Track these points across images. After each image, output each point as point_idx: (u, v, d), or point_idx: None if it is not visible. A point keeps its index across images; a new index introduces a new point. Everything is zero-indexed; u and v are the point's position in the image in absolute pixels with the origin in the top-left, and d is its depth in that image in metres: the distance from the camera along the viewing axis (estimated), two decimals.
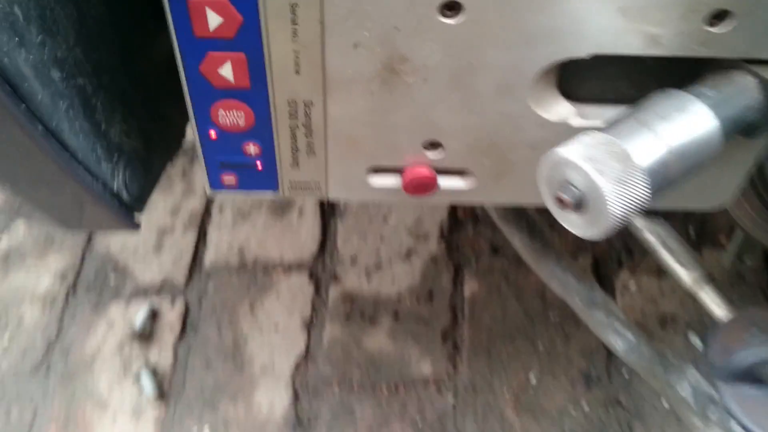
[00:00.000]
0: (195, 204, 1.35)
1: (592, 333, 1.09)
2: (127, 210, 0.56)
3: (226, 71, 0.43)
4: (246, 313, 1.18)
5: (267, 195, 0.52)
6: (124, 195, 0.54)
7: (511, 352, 1.08)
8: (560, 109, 0.46)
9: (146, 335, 1.17)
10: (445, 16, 0.40)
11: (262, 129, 0.47)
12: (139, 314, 1.19)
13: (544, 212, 0.46)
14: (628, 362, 0.83)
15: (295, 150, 0.48)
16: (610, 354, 1.03)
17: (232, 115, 0.46)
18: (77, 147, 0.48)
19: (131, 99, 0.55)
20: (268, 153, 0.49)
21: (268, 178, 0.51)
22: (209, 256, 1.27)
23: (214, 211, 1.33)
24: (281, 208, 1.31)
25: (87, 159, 0.50)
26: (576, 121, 0.46)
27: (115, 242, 1.31)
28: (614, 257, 1.18)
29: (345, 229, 1.27)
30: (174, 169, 1.41)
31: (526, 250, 0.81)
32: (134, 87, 0.56)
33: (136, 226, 0.57)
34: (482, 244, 1.21)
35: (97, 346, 1.17)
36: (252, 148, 0.48)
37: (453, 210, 1.25)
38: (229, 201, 1.34)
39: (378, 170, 0.51)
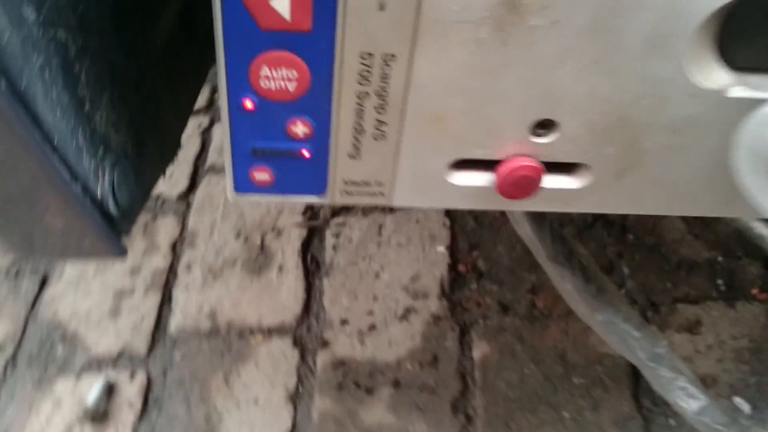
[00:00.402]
0: (158, 262, 1.19)
1: (624, 398, 0.96)
2: (112, 227, 0.41)
3: (282, 2, 0.30)
4: (220, 385, 1.01)
5: (308, 200, 0.38)
6: (110, 205, 0.40)
7: (533, 423, 0.94)
8: (718, 76, 0.34)
9: (101, 414, 0.99)
10: None
11: (317, 98, 0.34)
12: (92, 390, 1.01)
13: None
14: (698, 426, 0.69)
15: (358, 131, 0.35)
16: (648, 421, 0.90)
17: (279, 75, 0.32)
18: (52, 125, 0.34)
19: (122, 79, 0.42)
20: (321, 135, 0.35)
21: (314, 174, 0.37)
22: (175, 321, 1.10)
23: (181, 269, 1.17)
24: (258, 265, 1.16)
25: (64, 145, 0.35)
26: (737, 92, 0.34)
27: (64, 306, 1.13)
28: (638, 312, 1.06)
29: (332, 287, 1.12)
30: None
31: (580, 295, 0.68)
32: (126, 63, 0.42)
33: (122, 251, 0.42)
34: (489, 301, 1.08)
35: (41, 428, 0.98)
36: (299, 128, 0.35)
37: (453, 264, 1.13)
38: (197, 258, 1.18)
39: (462, 165, 0.38)
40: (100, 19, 0.39)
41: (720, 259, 1.06)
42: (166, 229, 1.24)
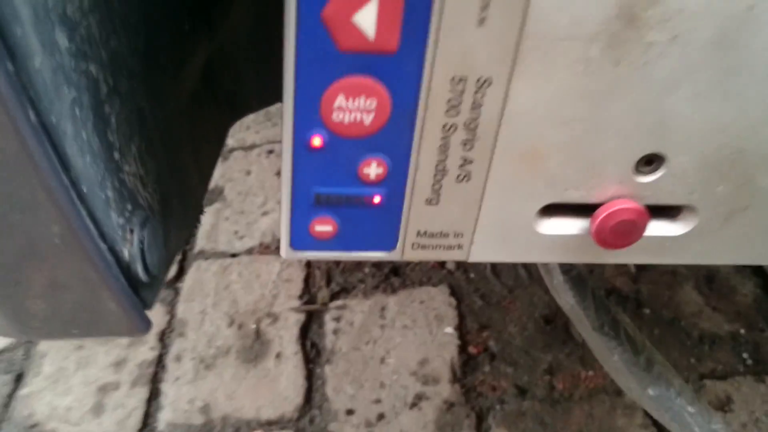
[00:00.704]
0: (145, 354, 1.10)
1: None
2: (138, 296, 0.35)
3: (367, 17, 0.25)
4: None
5: (374, 256, 0.33)
6: (138, 270, 0.34)
7: None
8: None
9: None
10: None
11: (396, 133, 0.29)
12: None
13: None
14: None
15: (440, 171, 0.30)
16: None
17: (356, 106, 0.28)
18: (81, 171, 0.29)
19: (150, 129, 0.37)
20: (397, 178, 0.30)
21: (384, 225, 0.32)
22: (165, 417, 1.01)
23: (170, 360, 1.09)
24: (254, 353, 1.08)
25: (93, 197, 0.30)
26: None
27: (42, 404, 1.04)
28: None
29: (335, 374, 1.05)
30: None
31: (629, 369, 0.62)
32: (154, 113, 0.37)
33: (146, 325, 0.36)
34: (505, 384, 1.01)
35: None
36: (373, 169, 0.30)
37: (463, 346, 1.06)
38: (188, 348, 1.10)
39: (552, 211, 0.33)
40: (130, 59, 0.34)
41: (742, 331, 1.01)
42: (154, 318, 1.16)
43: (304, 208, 0.31)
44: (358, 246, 0.32)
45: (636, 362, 0.62)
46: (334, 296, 1.16)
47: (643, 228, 0.32)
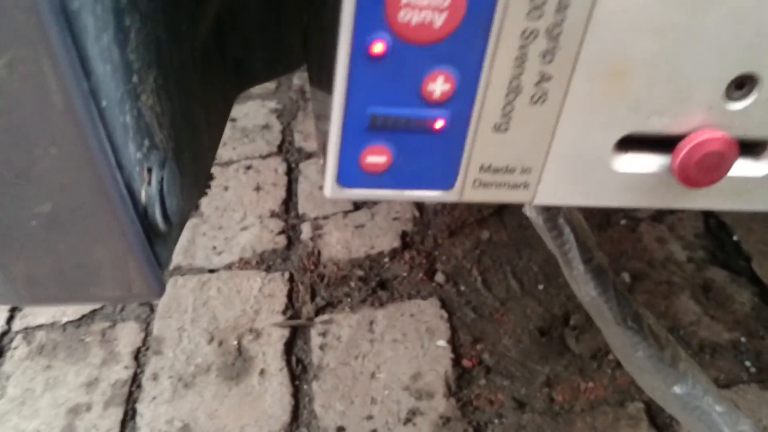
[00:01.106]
0: (119, 373, 1.04)
1: None
2: (155, 252, 0.30)
3: None
4: None
5: (430, 196, 0.29)
6: (157, 215, 0.29)
7: None
8: None
9: None
10: None
11: (469, 38, 0.25)
12: None
13: None
14: None
15: (514, 90, 0.26)
16: None
17: (427, 2, 0.24)
18: (101, 80, 0.24)
19: (166, 65, 0.32)
20: (464, 97, 0.26)
21: (445, 157, 0.28)
22: None
23: (146, 380, 1.02)
24: (236, 371, 1.02)
25: (112, 115, 0.25)
26: None
27: (7, 429, 0.96)
28: None
29: (323, 391, 0.99)
30: (89, 331, 1.10)
31: (654, 365, 0.58)
32: (171, 49, 0.33)
33: (161, 288, 0.32)
34: (502, 397, 0.97)
35: None
36: (439, 85, 0.26)
37: (457, 359, 1.02)
38: (165, 366, 1.03)
39: (629, 146, 0.29)
40: None
41: (743, 339, 0.99)
42: (128, 336, 1.10)
43: (357, 133, 0.27)
44: (413, 183, 0.28)
45: (661, 358, 0.58)
46: (319, 311, 1.11)
47: (730, 163, 0.29)
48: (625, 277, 1.09)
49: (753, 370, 0.94)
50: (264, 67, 0.50)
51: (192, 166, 0.37)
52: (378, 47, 0.25)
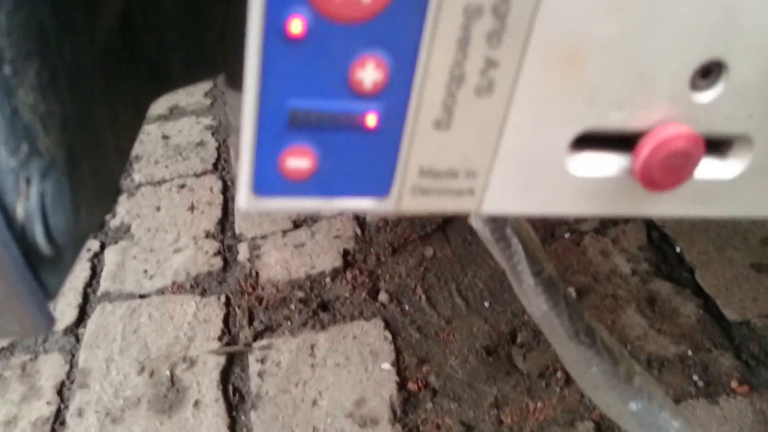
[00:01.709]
0: (40, 409, 0.96)
1: None
2: (37, 274, 0.25)
3: None
4: None
5: (362, 205, 0.25)
6: (37, 234, 0.25)
7: None
8: None
9: None
10: None
11: (403, 17, 0.21)
12: None
13: None
14: None
15: (456, 79, 0.23)
16: None
17: None
18: None
19: (53, 56, 0.28)
20: (399, 88, 0.22)
21: (378, 160, 0.24)
22: None
23: (70, 416, 0.95)
24: (168, 402, 0.95)
25: None
26: None
27: None
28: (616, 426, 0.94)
29: (262, 421, 0.94)
30: (7, 364, 1.03)
31: (608, 381, 0.56)
32: (59, 36, 0.28)
33: (49, 321, 0.27)
34: (449, 421, 0.93)
35: None
36: (369, 73, 0.22)
37: (402, 382, 0.97)
38: (92, 401, 0.96)
39: (586, 145, 0.26)
40: None
41: (690, 353, 0.97)
42: (51, 368, 1.02)
43: (275, 131, 0.22)
44: (342, 190, 0.24)
45: (615, 373, 0.55)
46: (257, 336, 1.05)
47: (697, 161, 0.26)
48: (571, 291, 1.07)
49: (701, 384, 0.93)
50: (182, 69, 0.45)
51: (92, 177, 0.32)
52: (296, 26, 0.21)
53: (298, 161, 0.23)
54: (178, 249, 1.22)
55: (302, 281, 1.13)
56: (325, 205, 0.24)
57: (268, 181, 0.24)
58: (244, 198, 0.24)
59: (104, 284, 1.17)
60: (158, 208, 1.31)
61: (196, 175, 1.38)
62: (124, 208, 1.32)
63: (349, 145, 0.23)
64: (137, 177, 1.40)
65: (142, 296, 1.14)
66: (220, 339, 1.05)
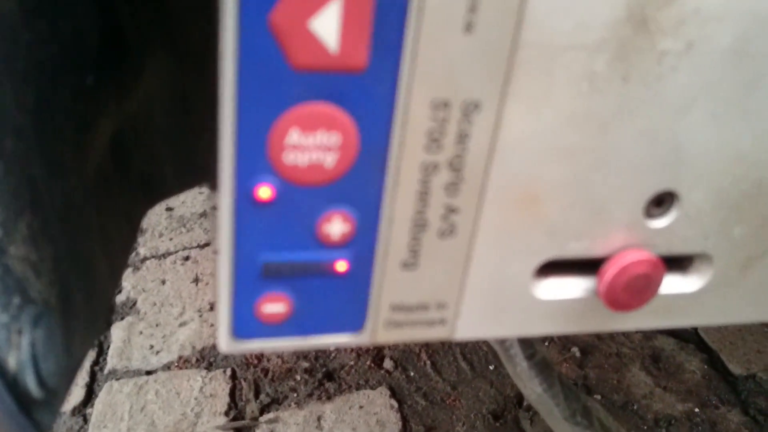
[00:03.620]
0: None
1: None
2: (30, 420, 0.27)
3: (327, 23, 0.20)
4: None
5: (339, 340, 0.26)
6: (29, 383, 0.26)
7: None
8: None
9: None
10: None
11: (365, 177, 0.23)
12: None
13: None
14: None
15: (419, 225, 0.24)
16: None
17: (314, 143, 0.22)
18: None
19: (45, 205, 0.29)
20: (365, 237, 0.24)
21: (351, 299, 0.25)
22: None
23: None
24: None
25: None
26: None
27: None
28: None
29: None
30: None
31: None
32: (51, 185, 0.30)
33: None
34: None
35: None
36: (336, 227, 0.24)
37: None
38: None
39: (550, 270, 0.27)
40: (18, 115, 0.27)
41: (697, 410, 0.97)
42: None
43: (249, 282, 0.24)
44: (318, 329, 0.25)
45: None
46: (264, 409, 1.05)
47: (659, 282, 0.27)
48: (575, 351, 1.07)
49: None
50: (174, 179, 0.47)
51: (85, 305, 0.34)
52: (264, 192, 0.22)
53: (274, 307, 0.24)
54: (183, 323, 1.23)
55: (307, 351, 1.14)
56: (302, 343, 0.26)
57: (246, 326, 0.25)
58: (224, 342, 0.25)
59: (111, 362, 1.18)
60: (163, 282, 1.33)
61: (200, 246, 1.40)
62: (129, 283, 1.34)
63: (322, 289, 0.25)
64: (142, 251, 1.42)
65: (148, 372, 1.14)
66: (226, 414, 1.06)
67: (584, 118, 0.23)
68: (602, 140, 0.24)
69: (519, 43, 0.22)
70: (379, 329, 0.26)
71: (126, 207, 0.42)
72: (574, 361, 1.06)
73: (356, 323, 0.26)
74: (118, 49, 0.35)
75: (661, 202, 0.26)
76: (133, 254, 1.42)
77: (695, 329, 1.07)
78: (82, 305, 0.33)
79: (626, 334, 1.09)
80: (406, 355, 1.11)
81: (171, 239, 1.46)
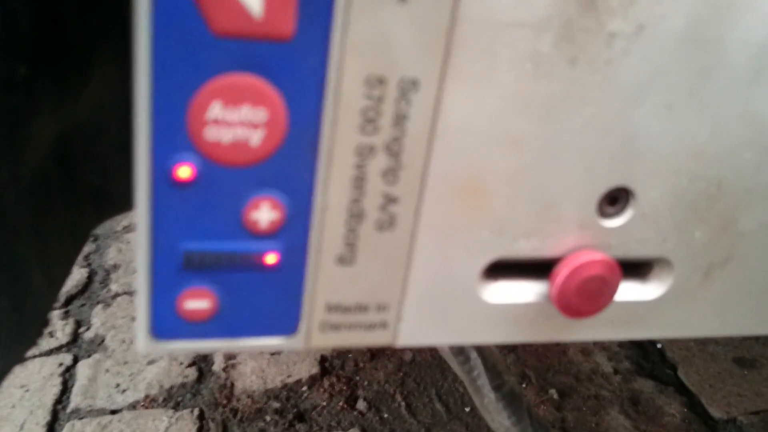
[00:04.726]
0: None
1: None
2: None
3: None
4: None
5: (269, 344, 0.24)
6: None
7: None
8: None
9: None
10: None
11: (295, 158, 0.21)
12: None
13: None
14: None
15: (355, 216, 0.23)
16: None
17: (238, 118, 0.20)
18: None
19: None
20: (297, 226, 0.22)
21: (282, 298, 0.23)
22: None
23: None
24: None
25: None
26: None
27: None
28: None
29: None
30: None
31: None
32: None
33: None
34: None
35: None
36: (264, 213, 0.22)
37: None
38: None
39: (498, 272, 0.26)
40: None
41: None
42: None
43: (169, 274, 0.22)
44: (247, 330, 0.24)
45: None
46: None
47: (615, 287, 0.25)
48: (553, 393, 1.04)
49: None
50: (128, 195, 0.45)
51: (12, 313, 0.31)
52: (184, 171, 0.20)
53: (197, 303, 0.23)
54: (152, 361, 1.19)
55: (278, 390, 1.10)
56: (230, 345, 0.24)
57: (167, 324, 0.23)
58: (142, 342, 0.23)
59: (75, 400, 1.14)
60: (134, 319, 1.29)
61: None
62: (99, 320, 1.30)
63: (250, 284, 0.23)
64: (114, 287, 1.39)
65: (113, 412, 1.10)
66: None
67: (529, 102, 0.22)
68: (549, 128, 0.23)
69: (458, 17, 0.20)
70: (314, 332, 0.24)
71: (70, 217, 0.40)
72: (552, 404, 1.04)
73: (289, 325, 0.24)
74: (57, 45, 0.33)
75: (616, 200, 0.25)
76: (105, 290, 1.39)
77: (674, 371, 1.05)
78: (9, 313, 0.31)
79: (605, 376, 1.06)
80: (380, 396, 1.08)
81: None
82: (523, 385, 1.06)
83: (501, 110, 0.22)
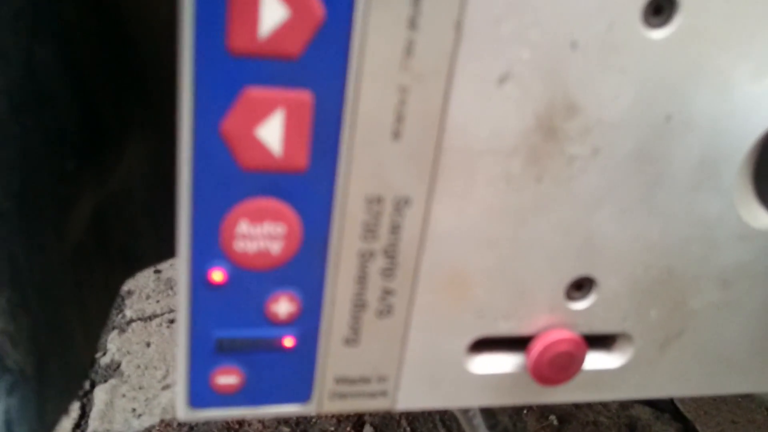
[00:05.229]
0: None
1: None
2: None
3: (272, 131, 0.23)
4: None
5: (287, 410, 0.29)
6: None
7: None
8: (763, 216, 0.30)
9: None
10: (650, 24, 0.25)
11: (309, 262, 0.26)
12: None
13: None
14: None
15: (359, 306, 0.27)
16: None
17: (262, 233, 0.25)
18: None
19: (24, 280, 0.32)
20: (310, 316, 0.27)
21: (298, 372, 0.28)
22: None
23: None
24: None
25: None
26: None
27: None
28: None
29: None
30: None
31: None
32: (31, 261, 0.33)
33: None
34: None
35: None
36: (283, 306, 0.26)
37: None
38: None
39: (483, 347, 0.30)
40: (3, 201, 0.30)
41: None
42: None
43: (204, 357, 0.26)
44: (268, 399, 0.28)
45: None
46: None
47: (581, 359, 0.30)
48: (553, 419, 1.08)
49: None
50: (152, 250, 0.49)
51: (60, 373, 0.36)
52: (217, 275, 0.25)
53: (227, 379, 0.27)
54: (166, 386, 1.24)
55: (288, 416, 1.14)
56: (254, 412, 0.28)
57: (202, 396, 0.27)
58: (181, 410, 0.27)
59: (93, 424, 1.18)
60: (148, 344, 1.34)
61: None
62: (115, 345, 1.35)
63: (271, 363, 0.27)
64: (128, 313, 1.43)
65: None
66: None
67: (504, 212, 0.27)
68: (521, 232, 0.27)
69: (442, 148, 0.25)
70: (325, 400, 0.29)
71: (104, 278, 0.45)
72: (552, 429, 1.07)
73: (303, 394, 0.29)
74: (98, 137, 0.38)
75: (581, 286, 0.29)
76: (120, 316, 1.44)
77: (671, 398, 1.08)
78: (57, 373, 0.35)
79: (603, 403, 1.10)
80: (386, 421, 1.12)
81: (158, 301, 1.47)
82: (524, 412, 1.09)
83: (480, 219, 0.27)
